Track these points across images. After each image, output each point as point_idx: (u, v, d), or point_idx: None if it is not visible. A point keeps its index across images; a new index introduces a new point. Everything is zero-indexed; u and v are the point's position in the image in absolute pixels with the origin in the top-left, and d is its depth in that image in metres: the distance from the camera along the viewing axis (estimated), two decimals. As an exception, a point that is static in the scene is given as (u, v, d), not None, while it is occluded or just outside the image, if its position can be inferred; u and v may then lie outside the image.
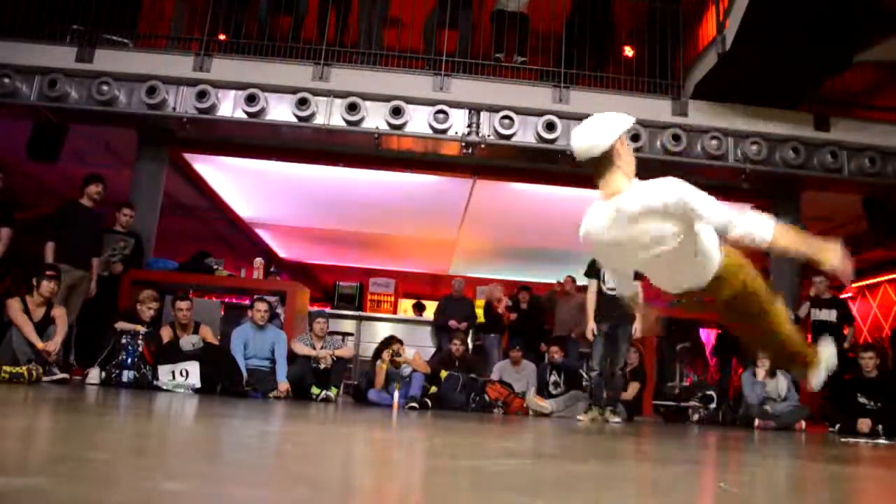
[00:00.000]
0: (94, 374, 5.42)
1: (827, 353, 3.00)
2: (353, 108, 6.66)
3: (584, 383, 6.35)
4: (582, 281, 6.57)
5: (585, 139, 2.58)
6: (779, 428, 5.99)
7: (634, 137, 6.71)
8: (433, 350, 8.07)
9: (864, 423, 5.71)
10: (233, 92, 6.72)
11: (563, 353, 6.92)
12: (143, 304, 5.85)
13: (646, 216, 2.44)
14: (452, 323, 7.88)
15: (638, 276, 3.15)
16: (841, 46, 6.12)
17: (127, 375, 5.44)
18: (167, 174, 7.54)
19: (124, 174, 7.44)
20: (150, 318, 5.84)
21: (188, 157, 8.15)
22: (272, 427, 3.16)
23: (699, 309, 5.89)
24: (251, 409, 4.21)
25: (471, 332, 8.38)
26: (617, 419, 5.68)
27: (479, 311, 8.69)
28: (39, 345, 5.12)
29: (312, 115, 6.70)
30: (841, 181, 7.08)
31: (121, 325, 5.68)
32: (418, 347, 6.98)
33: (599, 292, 5.72)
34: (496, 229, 10.08)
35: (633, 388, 6.58)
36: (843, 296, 9.67)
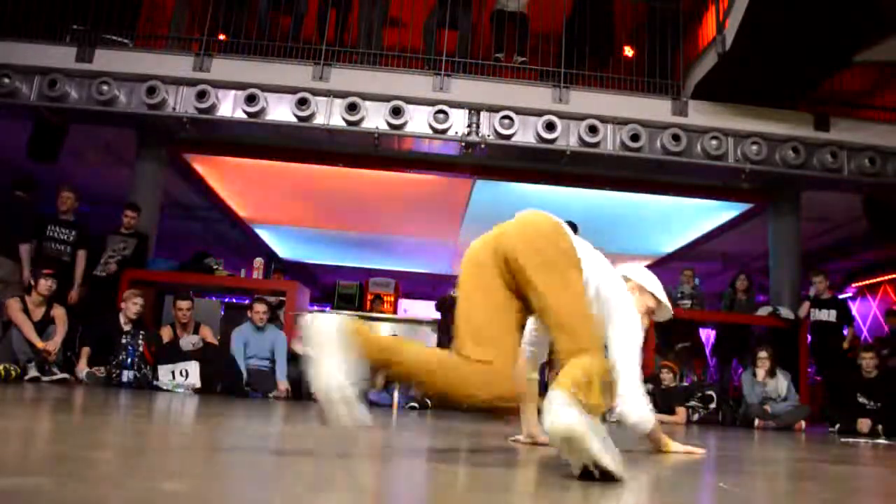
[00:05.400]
0: (84, 371, 5.45)
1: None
2: (352, 108, 6.66)
3: None
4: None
5: None
6: (779, 428, 5.99)
7: (634, 137, 6.72)
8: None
9: (864, 423, 5.72)
10: (233, 92, 6.73)
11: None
12: (127, 301, 5.86)
13: None
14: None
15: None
16: (841, 46, 6.12)
17: (127, 375, 5.45)
18: (167, 174, 7.55)
19: (124, 174, 7.44)
20: (137, 315, 5.87)
21: (188, 157, 8.15)
22: (272, 427, 3.16)
23: None
24: (251, 409, 4.21)
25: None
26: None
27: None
28: (39, 344, 5.13)
29: (312, 115, 6.70)
30: (841, 181, 7.08)
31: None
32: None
33: None
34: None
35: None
36: (842, 296, 9.67)
